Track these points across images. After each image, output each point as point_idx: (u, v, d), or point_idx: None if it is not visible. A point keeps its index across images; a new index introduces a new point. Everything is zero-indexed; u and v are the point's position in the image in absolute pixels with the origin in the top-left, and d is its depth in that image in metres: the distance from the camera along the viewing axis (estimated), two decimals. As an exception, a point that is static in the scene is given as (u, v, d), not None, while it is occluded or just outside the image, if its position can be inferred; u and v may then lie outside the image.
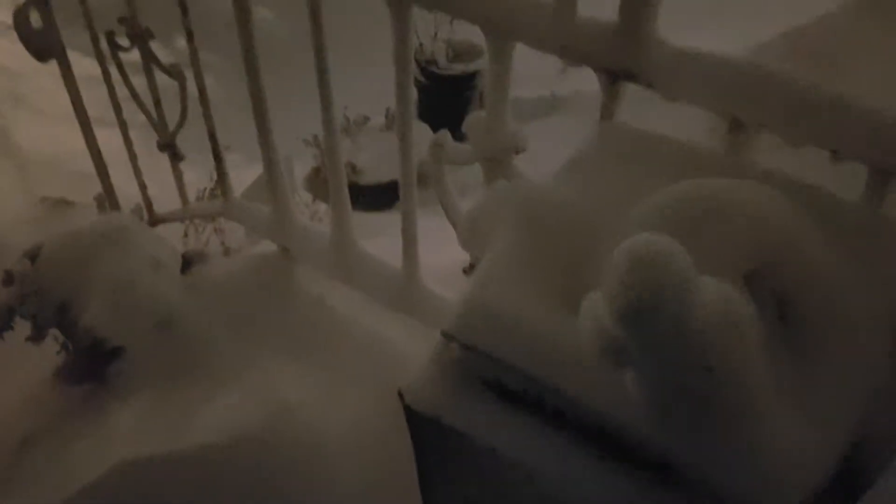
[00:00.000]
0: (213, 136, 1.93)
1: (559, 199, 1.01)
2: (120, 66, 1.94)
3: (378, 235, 2.16)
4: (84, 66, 2.08)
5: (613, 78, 1.18)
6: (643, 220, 0.83)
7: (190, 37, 1.79)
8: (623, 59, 1.14)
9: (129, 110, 2.07)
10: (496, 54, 1.33)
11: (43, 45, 1.87)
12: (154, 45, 1.89)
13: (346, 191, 1.75)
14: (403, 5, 1.40)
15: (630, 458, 0.85)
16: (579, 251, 0.94)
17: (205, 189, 2.88)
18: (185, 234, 2.79)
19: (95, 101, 2.09)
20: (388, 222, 2.24)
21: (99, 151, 2.10)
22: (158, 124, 1.99)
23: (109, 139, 2.14)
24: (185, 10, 1.77)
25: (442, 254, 1.77)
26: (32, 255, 1.80)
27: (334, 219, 1.78)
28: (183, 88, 1.87)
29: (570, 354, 0.85)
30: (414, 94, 1.58)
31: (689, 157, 1.03)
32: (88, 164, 2.14)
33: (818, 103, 1.00)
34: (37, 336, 1.77)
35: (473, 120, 1.48)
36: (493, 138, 1.45)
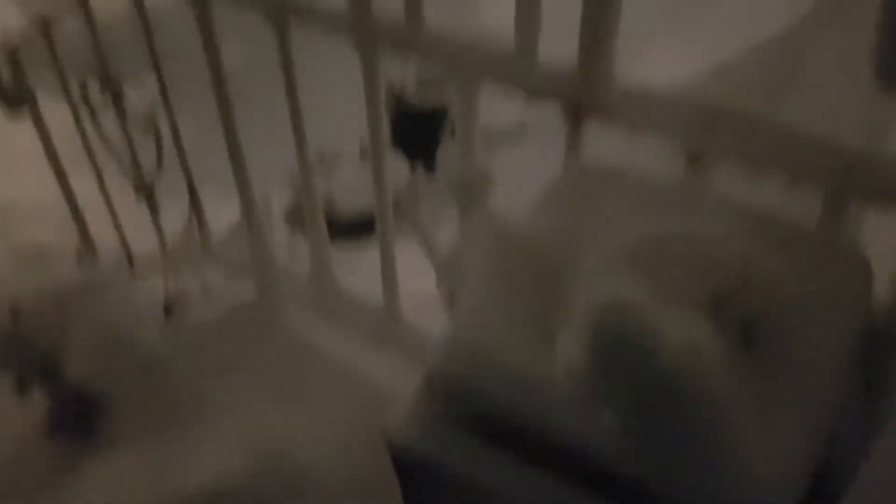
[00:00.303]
0: (190, 181, 1.95)
1: (531, 235, 1.04)
2: (94, 118, 1.95)
3: (358, 267, 2.18)
4: (57, 111, 2.08)
5: (575, 114, 1.23)
6: (613, 262, 0.88)
7: (160, 78, 1.81)
8: (583, 97, 1.18)
9: (105, 153, 2.06)
10: (463, 94, 1.37)
11: (13, 94, 1.88)
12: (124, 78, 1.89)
13: (324, 229, 1.78)
14: (373, 51, 1.44)
15: (615, 489, 0.88)
16: (553, 286, 0.97)
17: (183, 231, 2.87)
18: (166, 278, 2.78)
19: (71, 145, 2.09)
20: (367, 254, 2.26)
21: (74, 200, 2.10)
22: (134, 175, 2.01)
23: (86, 184, 2.14)
24: (153, 52, 1.79)
25: (422, 281, 1.79)
26: (13, 310, 1.80)
27: (313, 257, 1.81)
28: (159, 143, 1.89)
29: (551, 389, 0.88)
30: (387, 134, 1.61)
31: (654, 190, 1.07)
32: (65, 213, 2.14)
33: (769, 134, 1.05)
34: (20, 391, 1.77)
35: (445, 156, 1.52)
36: (464, 171, 1.49)
